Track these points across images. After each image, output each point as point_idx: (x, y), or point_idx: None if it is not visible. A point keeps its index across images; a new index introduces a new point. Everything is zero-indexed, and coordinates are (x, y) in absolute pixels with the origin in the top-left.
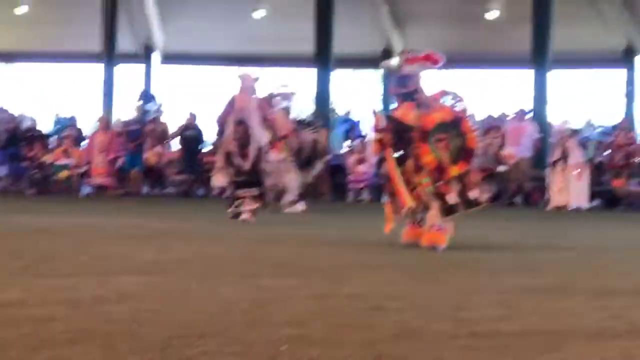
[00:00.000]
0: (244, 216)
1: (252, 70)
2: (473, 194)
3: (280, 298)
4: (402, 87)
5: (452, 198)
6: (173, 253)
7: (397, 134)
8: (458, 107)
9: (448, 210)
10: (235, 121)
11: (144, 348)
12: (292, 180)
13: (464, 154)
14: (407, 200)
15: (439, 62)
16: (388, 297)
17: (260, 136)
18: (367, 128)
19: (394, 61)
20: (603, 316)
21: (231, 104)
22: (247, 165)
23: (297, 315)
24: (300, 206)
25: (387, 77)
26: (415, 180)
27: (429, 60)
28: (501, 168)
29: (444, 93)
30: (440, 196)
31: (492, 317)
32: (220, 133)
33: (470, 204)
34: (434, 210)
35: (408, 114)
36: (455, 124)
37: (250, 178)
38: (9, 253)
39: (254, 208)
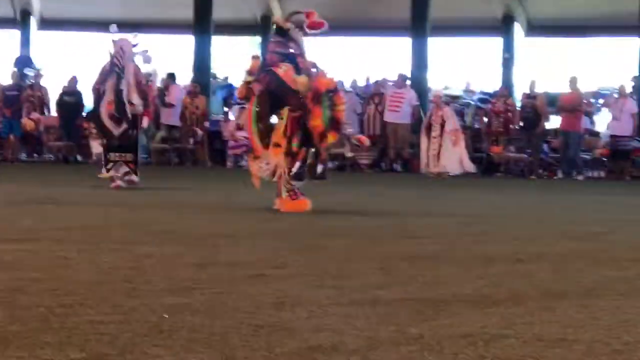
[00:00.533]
0: (116, 183)
1: (129, 36)
2: (320, 168)
3: (161, 266)
4: (284, 47)
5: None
6: (51, 221)
7: (272, 90)
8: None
9: (298, 176)
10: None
11: (26, 318)
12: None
13: (335, 124)
14: (259, 150)
15: (322, 27)
16: (269, 265)
17: (137, 102)
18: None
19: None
20: (483, 283)
21: (105, 69)
22: (118, 130)
23: (177, 283)
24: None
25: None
26: (280, 142)
27: (313, 25)
28: (348, 153)
29: (314, 64)
30: (304, 160)
31: (372, 285)
32: (96, 100)
33: (317, 175)
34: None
35: (289, 75)
36: (332, 94)
37: (123, 143)
38: None
39: (125, 172)
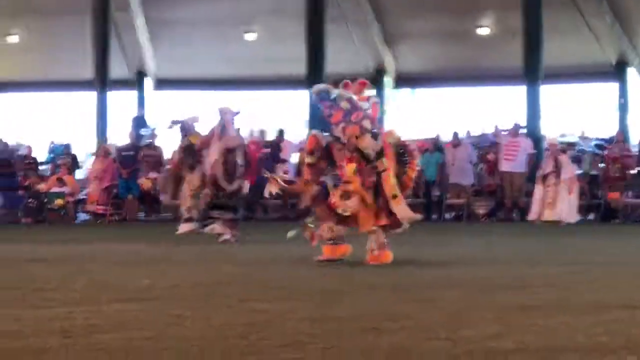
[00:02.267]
0: (225, 236)
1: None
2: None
3: (275, 321)
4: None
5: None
6: (167, 279)
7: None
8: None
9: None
10: (223, 149)
11: None
12: None
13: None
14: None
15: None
16: (382, 317)
17: (242, 168)
18: None
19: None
20: (598, 331)
21: (212, 133)
22: (231, 188)
23: (292, 338)
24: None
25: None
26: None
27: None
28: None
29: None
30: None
31: (487, 335)
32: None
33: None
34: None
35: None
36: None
37: (229, 203)
38: (3, 283)
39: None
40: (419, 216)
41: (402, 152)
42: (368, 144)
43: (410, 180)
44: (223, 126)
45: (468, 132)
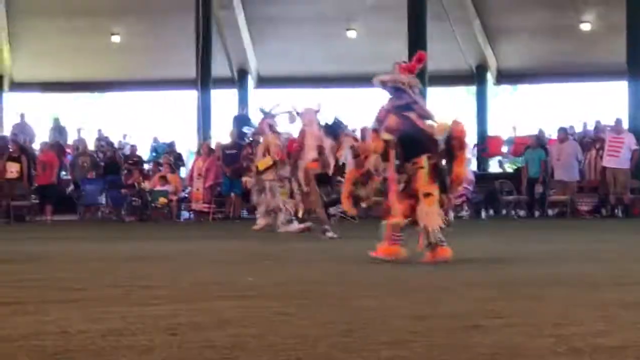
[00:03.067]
0: (329, 234)
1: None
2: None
3: (379, 319)
4: (399, 100)
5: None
6: (270, 277)
7: (408, 136)
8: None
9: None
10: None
11: None
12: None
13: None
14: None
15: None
16: (486, 315)
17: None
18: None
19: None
20: None
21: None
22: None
23: (396, 336)
24: (294, 226)
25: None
26: (431, 191)
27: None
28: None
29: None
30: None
31: (593, 332)
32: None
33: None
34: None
35: (421, 121)
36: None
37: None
38: (109, 281)
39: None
40: (438, 224)
41: (450, 145)
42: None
43: (458, 176)
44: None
45: (572, 128)
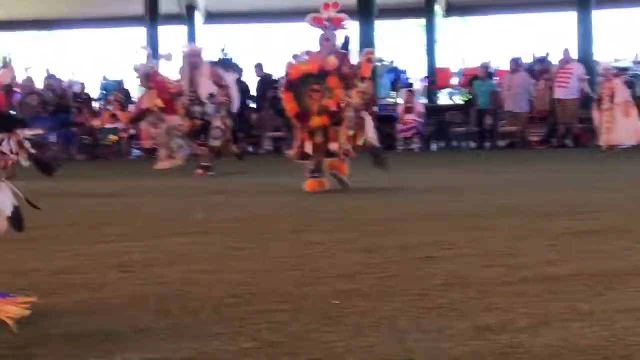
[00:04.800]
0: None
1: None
2: (332, 146)
3: (331, 253)
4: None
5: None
6: (222, 213)
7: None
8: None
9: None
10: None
11: (197, 309)
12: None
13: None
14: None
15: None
16: (438, 246)
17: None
18: (414, 77)
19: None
20: None
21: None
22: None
23: (347, 269)
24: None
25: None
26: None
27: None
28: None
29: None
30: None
31: (543, 262)
32: None
33: (329, 154)
34: None
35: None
36: (321, 77)
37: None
38: (60, 219)
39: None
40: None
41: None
42: None
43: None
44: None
45: (521, 59)
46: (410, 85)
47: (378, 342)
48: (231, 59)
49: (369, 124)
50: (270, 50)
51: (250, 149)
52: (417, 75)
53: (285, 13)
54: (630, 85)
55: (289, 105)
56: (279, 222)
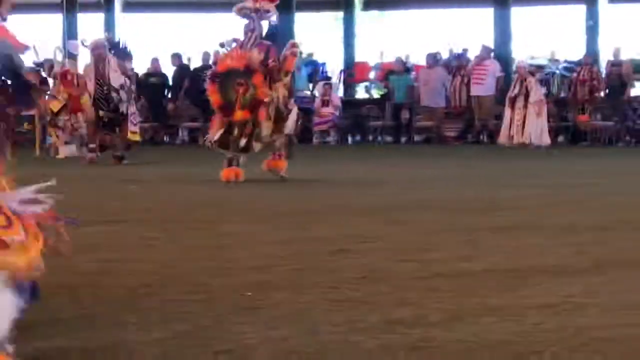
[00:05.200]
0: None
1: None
2: (242, 142)
3: (244, 244)
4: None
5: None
6: (136, 202)
7: None
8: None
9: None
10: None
11: (110, 299)
12: None
13: (253, 103)
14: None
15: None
16: (352, 240)
17: None
18: (331, 70)
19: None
20: (567, 252)
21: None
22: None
23: (260, 260)
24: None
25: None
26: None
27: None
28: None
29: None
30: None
31: (457, 257)
32: None
33: (243, 149)
34: None
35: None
36: (247, 74)
37: None
38: None
39: None
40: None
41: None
42: None
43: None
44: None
45: (439, 54)
46: (328, 78)
47: (291, 335)
48: (126, 47)
49: (294, 114)
50: (189, 39)
51: (166, 138)
52: (334, 68)
53: (205, 3)
54: (544, 83)
55: (213, 96)
56: (193, 212)
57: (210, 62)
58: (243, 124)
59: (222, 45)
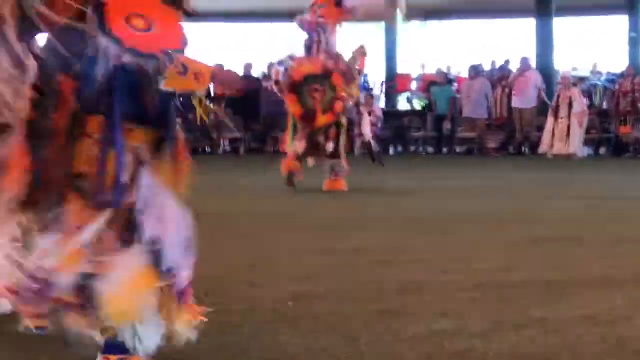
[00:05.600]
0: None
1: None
2: (329, 146)
3: (287, 254)
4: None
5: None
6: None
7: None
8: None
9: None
10: None
11: None
12: None
13: (333, 104)
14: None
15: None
16: (394, 250)
17: None
18: (373, 80)
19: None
20: (608, 264)
21: None
22: None
23: (302, 271)
24: None
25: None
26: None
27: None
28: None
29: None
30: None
31: (498, 268)
32: None
33: (331, 154)
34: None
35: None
36: (324, 77)
37: None
38: None
39: None
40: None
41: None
42: None
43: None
44: None
45: (481, 65)
46: (369, 89)
47: (331, 344)
48: None
49: (366, 119)
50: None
51: (208, 149)
52: (375, 79)
53: (261, 12)
54: (587, 94)
55: (294, 106)
56: (235, 221)
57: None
58: (327, 128)
59: (279, 62)
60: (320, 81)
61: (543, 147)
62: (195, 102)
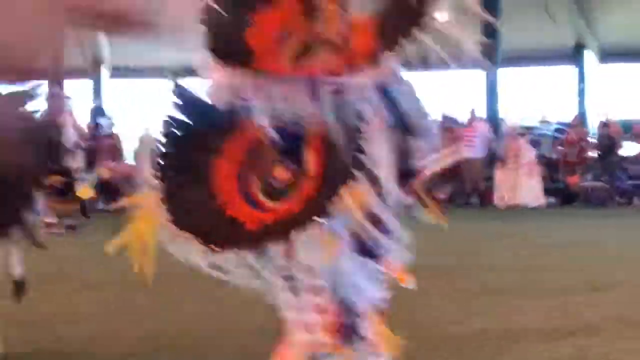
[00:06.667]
0: None
1: None
2: None
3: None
4: None
5: None
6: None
7: None
8: None
9: None
10: None
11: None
12: None
13: None
14: None
15: None
16: None
17: None
18: None
19: None
20: (556, 314)
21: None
22: None
23: (255, 324)
24: None
25: None
26: None
27: None
28: None
29: None
30: None
31: (445, 320)
32: None
33: None
34: None
35: None
36: None
37: None
38: None
39: None
40: None
41: None
42: None
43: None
44: None
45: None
46: None
47: None
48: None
49: None
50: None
51: None
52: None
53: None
54: (536, 144)
55: None
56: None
57: None
58: None
59: None
60: None
61: (498, 200)
62: None
